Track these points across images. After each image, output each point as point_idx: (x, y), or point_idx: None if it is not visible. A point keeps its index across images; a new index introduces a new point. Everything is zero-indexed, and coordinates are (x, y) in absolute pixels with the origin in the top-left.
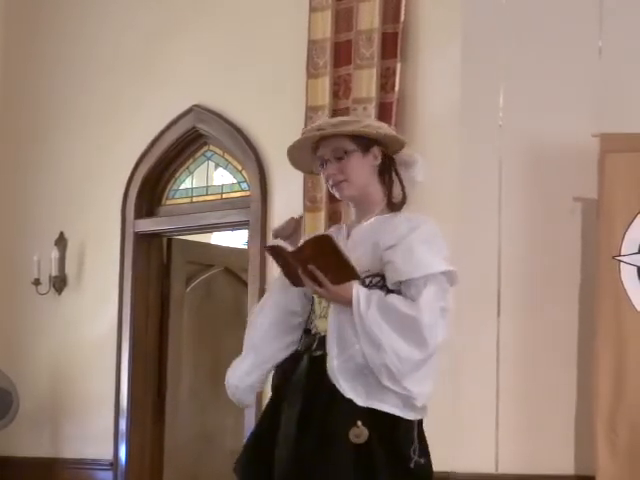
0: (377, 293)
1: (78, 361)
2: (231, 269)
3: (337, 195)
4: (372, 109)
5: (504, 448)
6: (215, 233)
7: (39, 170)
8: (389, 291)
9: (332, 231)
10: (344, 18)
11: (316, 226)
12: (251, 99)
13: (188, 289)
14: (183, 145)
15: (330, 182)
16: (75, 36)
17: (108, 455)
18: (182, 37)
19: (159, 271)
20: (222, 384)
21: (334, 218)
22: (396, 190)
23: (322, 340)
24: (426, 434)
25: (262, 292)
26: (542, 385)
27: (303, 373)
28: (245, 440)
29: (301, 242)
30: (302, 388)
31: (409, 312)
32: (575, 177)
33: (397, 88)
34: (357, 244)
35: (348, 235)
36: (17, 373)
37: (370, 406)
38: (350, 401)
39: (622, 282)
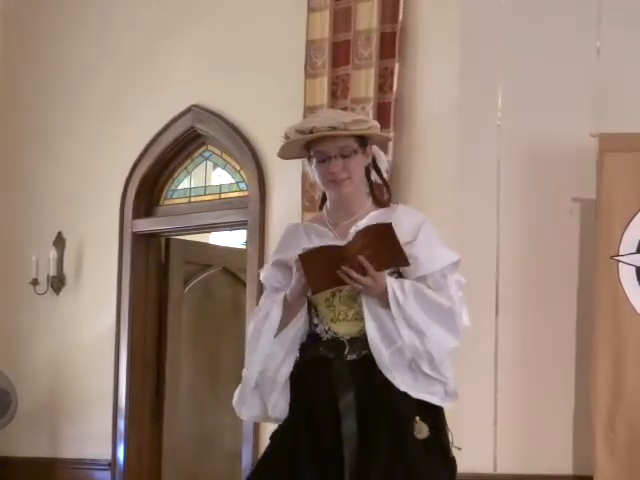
0: (408, 282)
1: (76, 361)
2: (229, 269)
3: (334, 191)
4: (370, 109)
5: (502, 448)
6: (213, 233)
7: (37, 170)
8: None
9: (292, 230)
10: (342, 18)
11: None
12: (249, 99)
13: (186, 289)
14: (181, 145)
15: (330, 178)
16: (74, 36)
17: (106, 455)
18: (180, 37)
19: (157, 271)
20: (220, 384)
21: None
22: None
23: (353, 342)
24: None
25: (260, 292)
26: (540, 385)
27: (346, 379)
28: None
29: (352, 236)
30: (352, 394)
31: (444, 302)
32: (574, 177)
33: (395, 88)
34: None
35: (342, 234)
36: (16, 373)
37: (421, 398)
38: (404, 398)
39: (620, 282)
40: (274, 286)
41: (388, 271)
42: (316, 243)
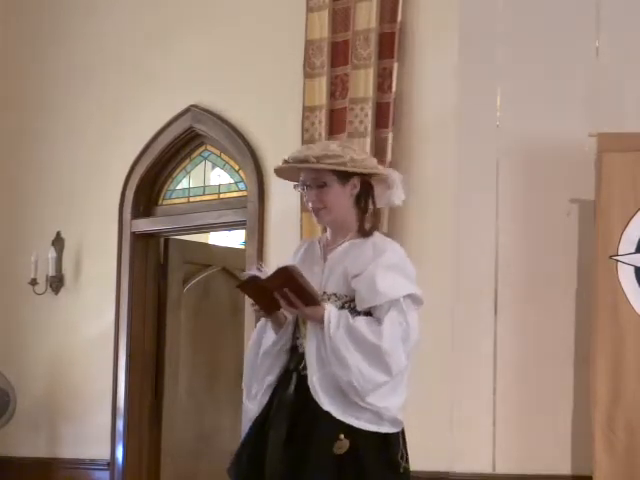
0: (345, 315)
1: (75, 361)
2: (228, 269)
3: (315, 220)
4: (369, 109)
5: (501, 448)
6: (212, 233)
7: (36, 170)
8: (359, 313)
9: (305, 246)
10: (341, 18)
11: (313, 226)
12: (248, 99)
13: (185, 289)
14: (180, 145)
15: (310, 206)
16: (74, 37)
17: (105, 455)
18: (179, 37)
19: (156, 271)
20: (219, 384)
21: None
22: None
23: None
24: (424, 434)
25: None
26: (539, 385)
27: (291, 391)
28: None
29: (272, 271)
30: (289, 405)
31: (373, 340)
32: (572, 176)
33: (394, 88)
34: (332, 270)
35: (324, 258)
36: (14, 373)
37: (346, 421)
38: (331, 415)
39: (619, 282)
40: None
41: (343, 300)
42: (307, 267)
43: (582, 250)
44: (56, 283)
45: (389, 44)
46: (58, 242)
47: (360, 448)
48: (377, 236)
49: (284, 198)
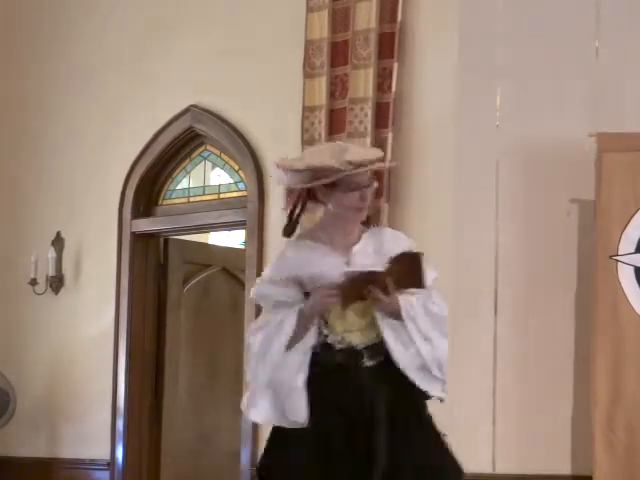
0: (414, 299)
1: (75, 361)
2: (228, 269)
3: (354, 216)
4: (369, 109)
5: (501, 448)
6: (212, 233)
7: (36, 170)
8: None
9: (295, 250)
10: (341, 18)
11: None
12: (248, 99)
13: (185, 289)
14: (180, 145)
15: (360, 205)
16: (74, 37)
17: (105, 455)
18: (179, 37)
19: (156, 271)
20: (219, 384)
21: None
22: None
23: (368, 350)
24: None
25: None
26: (539, 385)
27: (368, 381)
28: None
29: (389, 261)
30: (381, 396)
31: (441, 312)
32: (572, 176)
33: (394, 88)
34: (364, 257)
35: (339, 250)
36: (14, 373)
37: (428, 390)
38: (420, 395)
39: (619, 282)
40: (282, 301)
41: None
42: (320, 265)
43: (582, 250)
44: (56, 283)
45: (389, 44)
46: (58, 242)
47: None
48: (387, 228)
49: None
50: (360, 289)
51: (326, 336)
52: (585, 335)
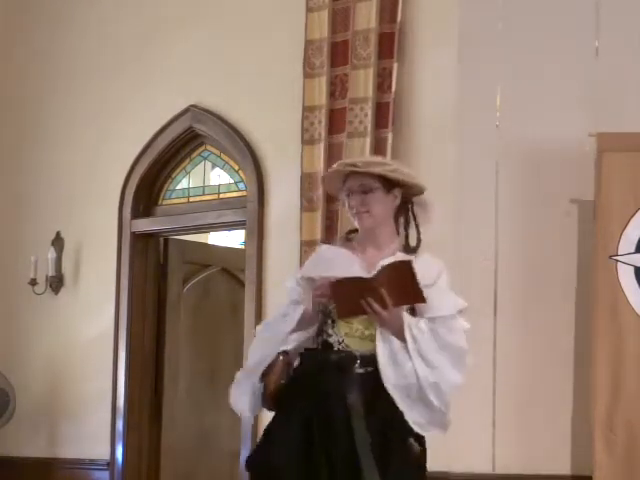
0: (424, 321)
1: (75, 361)
2: (228, 269)
3: (357, 224)
4: (369, 109)
5: (501, 448)
6: (212, 233)
7: (36, 170)
8: None
9: (323, 252)
10: (341, 18)
11: (312, 226)
12: (248, 99)
13: (185, 289)
14: (180, 145)
15: (353, 211)
16: (74, 37)
17: (105, 455)
18: (179, 37)
19: (156, 271)
20: (219, 384)
21: (330, 218)
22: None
23: (363, 359)
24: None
25: (259, 292)
26: (539, 385)
27: (356, 388)
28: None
29: (379, 269)
30: (360, 402)
31: (457, 342)
32: (572, 176)
33: (394, 88)
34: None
35: (370, 264)
36: (14, 373)
37: (416, 422)
38: (402, 417)
39: (619, 282)
40: (294, 298)
41: (404, 308)
42: (343, 270)
43: (582, 250)
44: (56, 283)
45: (389, 44)
46: (58, 242)
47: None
48: (426, 253)
49: (284, 198)
50: (353, 297)
51: (329, 335)
52: (585, 335)
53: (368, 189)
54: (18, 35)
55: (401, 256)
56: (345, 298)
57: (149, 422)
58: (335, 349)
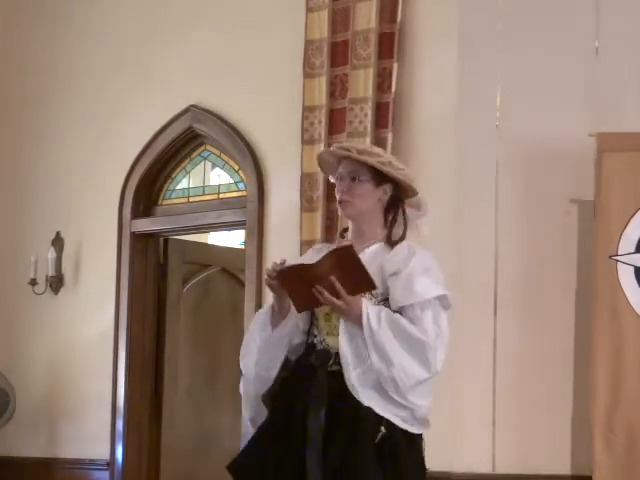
0: (385, 310)
1: (75, 361)
2: (228, 269)
3: (339, 212)
4: (369, 109)
5: (501, 448)
6: (212, 233)
7: (36, 170)
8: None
9: (318, 247)
10: (341, 18)
11: (313, 226)
12: (248, 99)
13: (185, 289)
14: (180, 145)
15: (338, 196)
16: (74, 37)
17: (105, 455)
18: (179, 37)
19: (156, 271)
20: (219, 384)
21: (330, 218)
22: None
23: (337, 356)
24: (425, 434)
25: (259, 292)
26: (539, 385)
27: (324, 387)
28: (244, 443)
29: (321, 256)
30: (324, 401)
31: (418, 335)
32: (572, 176)
33: (394, 88)
34: (366, 265)
35: None
36: (14, 373)
37: (386, 417)
38: (372, 412)
39: (619, 282)
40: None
41: (378, 299)
42: (302, 261)
43: (582, 250)
44: (56, 283)
45: (389, 44)
46: (58, 242)
47: (396, 444)
48: (407, 242)
49: (284, 198)
50: (305, 287)
51: (315, 337)
52: (585, 335)
53: (355, 176)
54: (17, 35)
55: (377, 248)
56: (297, 289)
57: (149, 422)
58: (317, 349)
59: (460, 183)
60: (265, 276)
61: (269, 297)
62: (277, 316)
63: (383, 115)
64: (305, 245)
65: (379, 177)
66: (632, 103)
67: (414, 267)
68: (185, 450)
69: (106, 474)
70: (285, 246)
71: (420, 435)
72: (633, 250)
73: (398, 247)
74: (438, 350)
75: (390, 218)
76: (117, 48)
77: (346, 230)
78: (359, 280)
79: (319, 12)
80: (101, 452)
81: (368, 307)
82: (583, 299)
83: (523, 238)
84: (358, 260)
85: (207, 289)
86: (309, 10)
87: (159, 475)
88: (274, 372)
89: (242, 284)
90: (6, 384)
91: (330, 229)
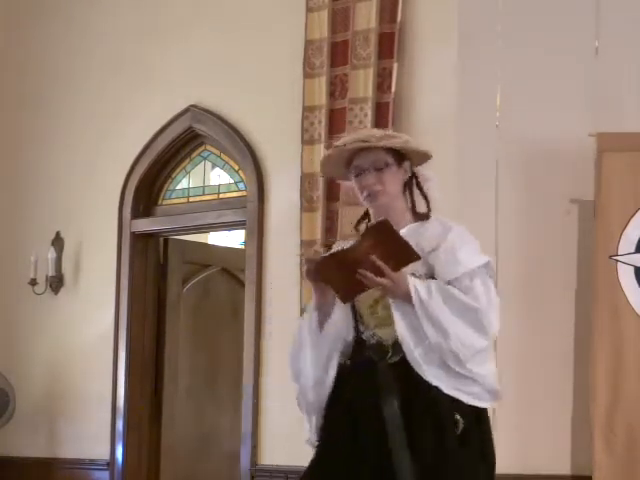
0: (435, 283)
1: (75, 361)
2: (228, 269)
3: (369, 203)
4: (368, 109)
5: (501, 448)
6: (212, 233)
7: (36, 170)
8: None
9: (342, 243)
10: (341, 18)
11: (313, 226)
12: (248, 99)
13: (185, 289)
14: (180, 145)
15: (366, 191)
16: (74, 37)
17: (105, 455)
18: (179, 37)
19: (156, 271)
20: (219, 384)
21: (330, 218)
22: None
23: (395, 345)
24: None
25: (259, 292)
26: (539, 385)
27: (389, 377)
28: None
29: (357, 238)
30: (394, 390)
31: (471, 302)
32: (572, 176)
33: (394, 88)
34: None
35: None
36: (14, 373)
37: (453, 395)
38: (442, 395)
39: (619, 282)
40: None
41: (423, 275)
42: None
43: (582, 250)
44: (56, 283)
45: (389, 44)
46: (58, 242)
47: (466, 424)
48: (436, 217)
49: (284, 198)
50: (346, 274)
51: (362, 332)
52: (585, 335)
53: (383, 165)
54: (17, 34)
55: (413, 228)
56: (339, 278)
57: (149, 422)
58: (369, 344)
59: (460, 183)
60: (304, 269)
61: (269, 297)
62: (323, 314)
63: (383, 115)
64: (305, 245)
65: (400, 158)
66: (632, 103)
67: (453, 240)
68: (185, 450)
69: (106, 474)
70: (285, 246)
71: (486, 410)
72: (633, 250)
73: (429, 224)
74: (491, 314)
75: (407, 194)
76: (117, 48)
77: (360, 222)
78: (400, 253)
79: (319, 12)
80: (101, 452)
81: (415, 280)
82: (583, 299)
83: (523, 238)
84: (395, 232)
85: (207, 289)
86: (309, 10)
87: (159, 475)
88: (332, 373)
89: (242, 284)
90: (6, 384)
91: (330, 229)
